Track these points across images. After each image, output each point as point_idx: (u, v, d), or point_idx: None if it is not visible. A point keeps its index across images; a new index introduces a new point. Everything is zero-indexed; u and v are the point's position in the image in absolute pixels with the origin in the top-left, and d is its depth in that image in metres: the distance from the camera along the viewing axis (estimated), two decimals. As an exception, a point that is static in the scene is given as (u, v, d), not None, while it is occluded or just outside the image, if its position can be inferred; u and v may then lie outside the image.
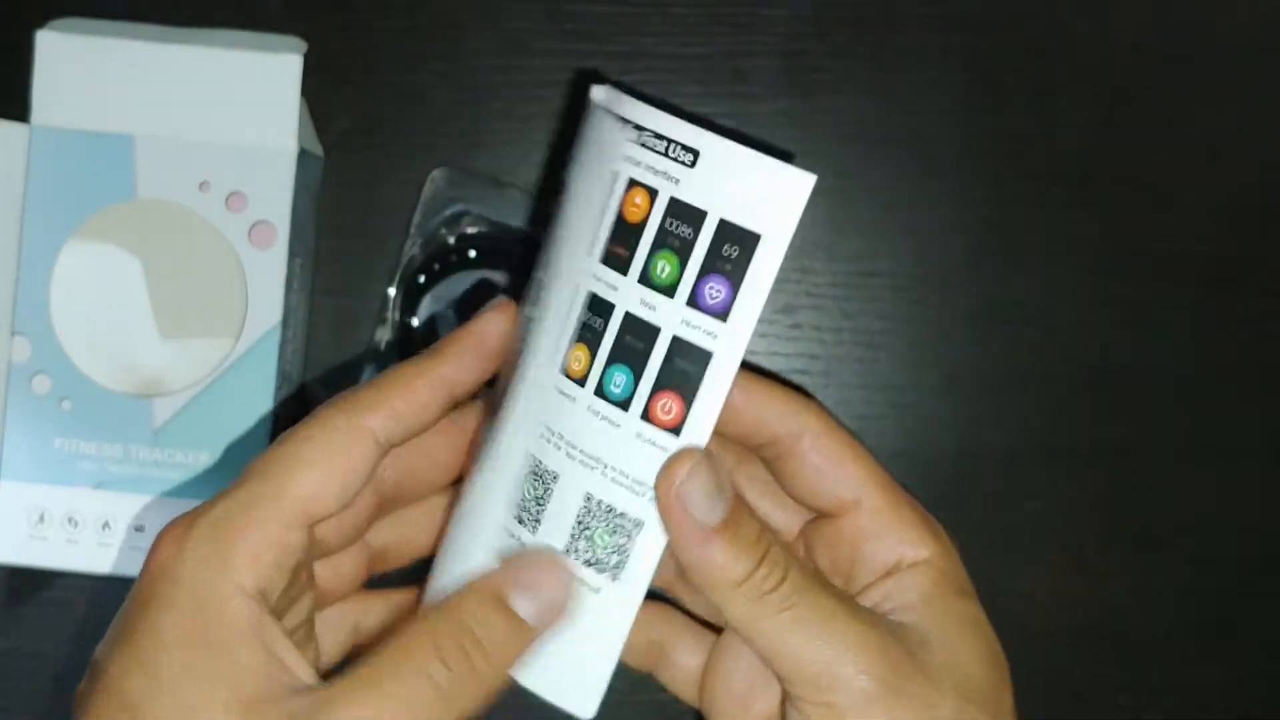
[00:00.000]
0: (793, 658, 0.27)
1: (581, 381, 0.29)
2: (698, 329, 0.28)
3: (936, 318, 0.42)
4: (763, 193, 0.28)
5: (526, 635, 0.27)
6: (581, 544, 0.29)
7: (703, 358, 0.28)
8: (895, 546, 0.30)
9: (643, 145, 0.29)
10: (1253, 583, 0.41)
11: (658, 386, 0.28)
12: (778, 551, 0.28)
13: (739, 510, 0.28)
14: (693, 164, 0.28)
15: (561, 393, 0.29)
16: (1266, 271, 0.42)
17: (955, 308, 0.42)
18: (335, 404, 0.28)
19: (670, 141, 0.28)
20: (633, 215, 0.29)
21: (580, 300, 0.29)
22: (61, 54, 0.37)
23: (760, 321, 0.28)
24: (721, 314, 0.28)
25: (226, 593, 0.26)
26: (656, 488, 0.28)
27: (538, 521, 0.29)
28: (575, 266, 0.29)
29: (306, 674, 0.26)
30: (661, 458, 0.28)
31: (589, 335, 0.29)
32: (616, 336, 0.29)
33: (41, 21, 0.37)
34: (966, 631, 0.29)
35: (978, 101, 0.41)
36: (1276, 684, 0.41)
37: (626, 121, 0.29)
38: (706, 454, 0.28)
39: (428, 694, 0.25)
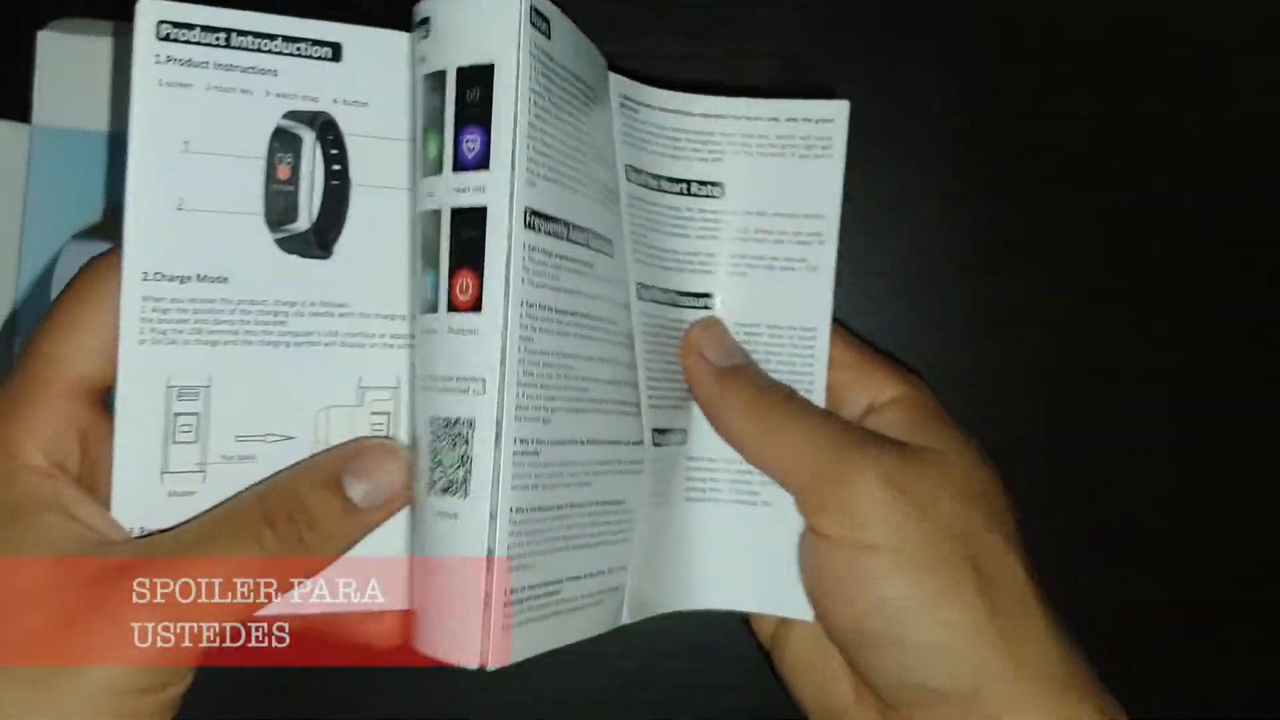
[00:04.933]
0: (807, 460, 0.30)
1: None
2: (467, 190, 0.27)
3: (935, 318, 0.42)
4: (480, 24, 0.26)
5: (357, 517, 0.27)
6: (437, 475, 0.27)
7: (478, 218, 0.26)
8: (866, 392, 0.33)
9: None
10: (1249, 586, 0.41)
11: (453, 270, 0.27)
12: (778, 382, 0.33)
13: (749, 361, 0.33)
14: (427, 35, 0.27)
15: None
16: (1265, 271, 0.42)
17: (954, 308, 0.42)
18: (104, 260, 0.27)
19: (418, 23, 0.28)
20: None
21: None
22: (62, 54, 0.37)
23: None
24: (482, 163, 0.26)
25: (15, 470, 0.26)
26: (682, 345, 0.33)
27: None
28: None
29: (117, 531, 0.26)
30: (473, 343, 0.26)
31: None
32: (422, 241, 0.28)
33: (43, 22, 0.38)
34: (953, 444, 0.31)
35: (978, 101, 0.41)
36: (1267, 686, 0.41)
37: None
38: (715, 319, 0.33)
39: (254, 558, 0.26)
